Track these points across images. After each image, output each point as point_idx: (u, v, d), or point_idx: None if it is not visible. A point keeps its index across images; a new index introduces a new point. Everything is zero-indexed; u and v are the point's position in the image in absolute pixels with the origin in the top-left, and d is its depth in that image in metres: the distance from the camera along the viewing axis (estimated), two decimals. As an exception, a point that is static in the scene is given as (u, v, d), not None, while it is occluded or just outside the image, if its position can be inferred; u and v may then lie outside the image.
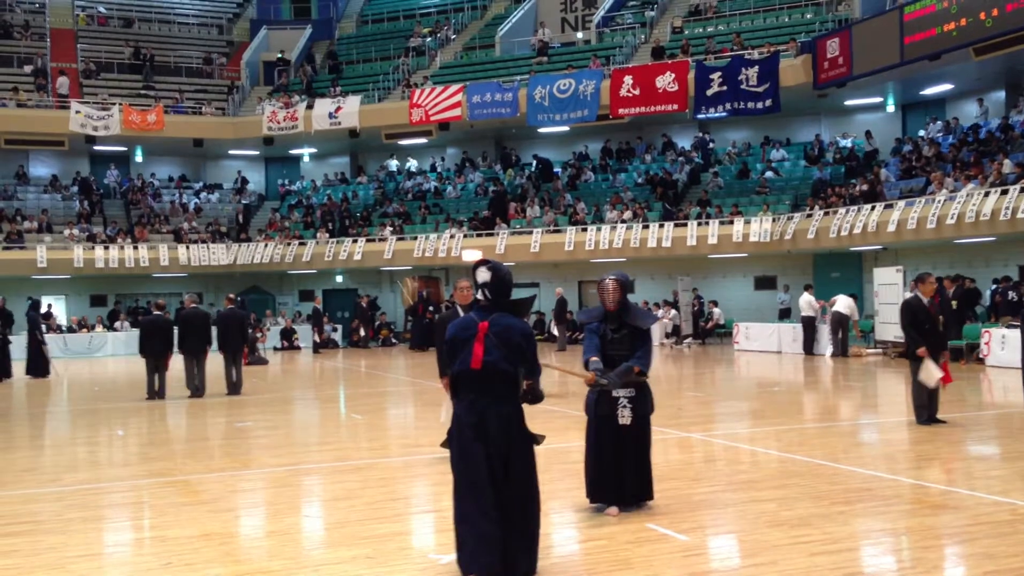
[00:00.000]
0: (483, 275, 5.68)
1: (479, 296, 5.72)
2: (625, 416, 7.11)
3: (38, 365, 22.29)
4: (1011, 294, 20.59)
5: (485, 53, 36.35)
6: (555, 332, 27.76)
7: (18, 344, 24.07)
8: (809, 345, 23.16)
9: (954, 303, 20.31)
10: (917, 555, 6.20)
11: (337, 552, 6.45)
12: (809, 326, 23.21)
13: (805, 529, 6.68)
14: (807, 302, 23.25)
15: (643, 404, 7.23)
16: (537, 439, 5.74)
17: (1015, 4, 21.45)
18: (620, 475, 7.18)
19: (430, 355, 26.37)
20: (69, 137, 32.78)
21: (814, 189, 27.49)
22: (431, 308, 29.73)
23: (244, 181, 38.29)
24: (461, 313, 9.70)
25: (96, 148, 35.01)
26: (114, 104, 33.27)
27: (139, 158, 37.08)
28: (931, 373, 11.06)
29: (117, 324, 31.67)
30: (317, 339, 30.47)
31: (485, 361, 5.50)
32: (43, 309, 31.62)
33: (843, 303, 22.48)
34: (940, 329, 11.50)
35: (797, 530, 6.66)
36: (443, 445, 5.92)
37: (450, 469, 5.65)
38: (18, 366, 22.63)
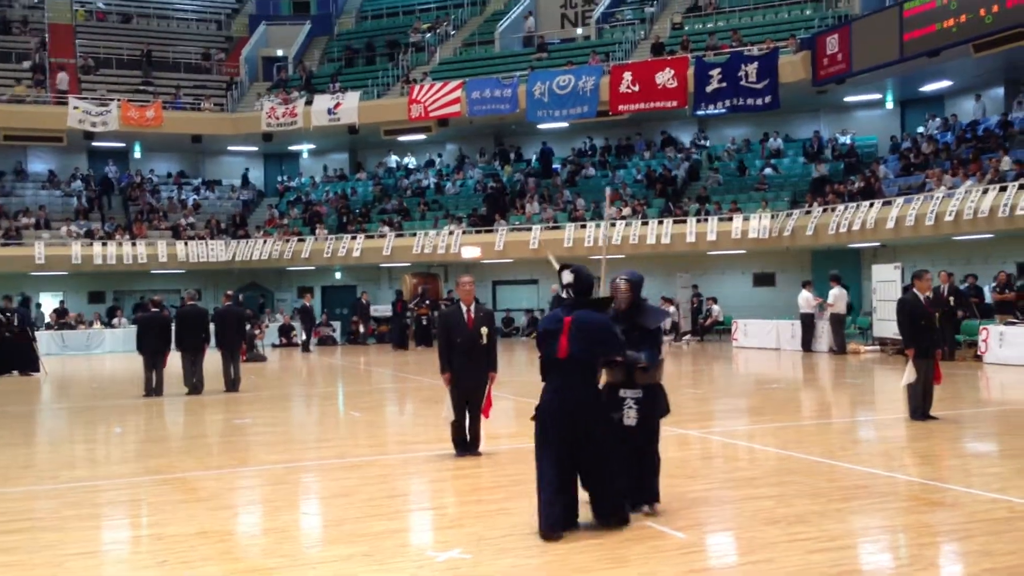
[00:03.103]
0: (567, 277, 6.60)
1: (563, 295, 6.65)
2: (631, 417, 7.01)
3: (28, 361, 22.26)
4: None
5: (484, 49, 36.28)
6: None
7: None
8: (807, 342, 23.17)
9: (951, 299, 20.28)
10: (914, 552, 6.21)
11: (335, 550, 6.45)
12: (808, 323, 23.21)
13: (802, 526, 6.68)
14: (805, 299, 23.25)
15: (650, 406, 7.10)
16: (613, 416, 6.82)
17: (1015, 0, 21.43)
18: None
19: (416, 353, 26.36)
20: (67, 133, 32.74)
21: (813, 186, 27.47)
22: (427, 303, 29.65)
23: (244, 179, 38.25)
24: (463, 309, 9.62)
25: (94, 144, 34.96)
26: (112, 100, 33.24)
27: (137, 154, 37.06)
28: (907, 375, 11.33)
29: (115, 321, 31.65)
30: (304, 337, 29.09)
31: (569, 351, 6.42)
32: (56, 306, 31.66)
33: (842, 302, 22.46)
34: (936, 326, 11.54)
35: (794, 527, 6.66)
36: (532, 419, 6.68)
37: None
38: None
